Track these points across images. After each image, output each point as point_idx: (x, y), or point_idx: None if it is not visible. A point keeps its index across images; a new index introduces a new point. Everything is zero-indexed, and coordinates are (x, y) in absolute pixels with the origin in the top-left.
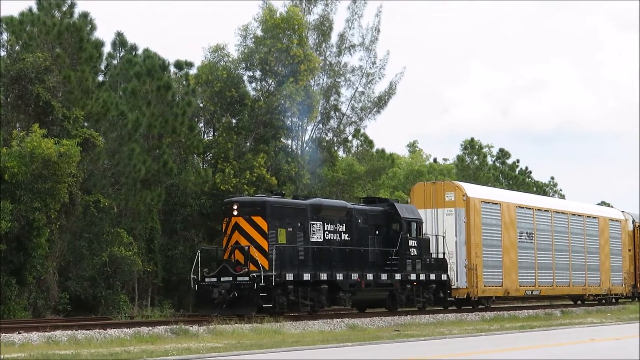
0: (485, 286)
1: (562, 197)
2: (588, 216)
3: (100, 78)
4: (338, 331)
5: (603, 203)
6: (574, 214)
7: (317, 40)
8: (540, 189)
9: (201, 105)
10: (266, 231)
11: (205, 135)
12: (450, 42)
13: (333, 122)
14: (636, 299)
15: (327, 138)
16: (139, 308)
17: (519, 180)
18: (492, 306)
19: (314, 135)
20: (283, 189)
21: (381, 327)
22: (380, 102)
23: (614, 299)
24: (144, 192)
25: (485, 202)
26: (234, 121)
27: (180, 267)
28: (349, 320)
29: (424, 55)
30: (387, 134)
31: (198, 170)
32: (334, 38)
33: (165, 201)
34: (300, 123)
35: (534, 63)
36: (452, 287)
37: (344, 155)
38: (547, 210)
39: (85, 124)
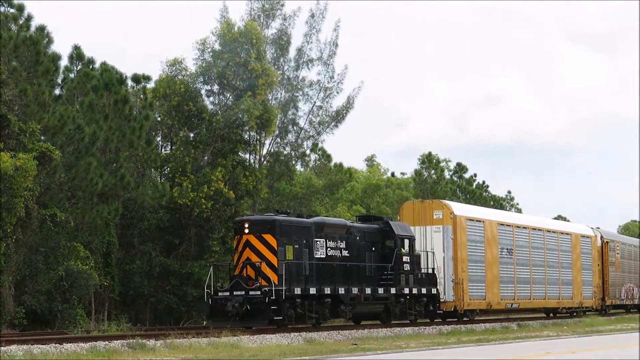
0: (470, 299)
1: (519, 211)
2: (562, 233)
3: (57, 91)
4: (296, 345)
5: (559, 217)
6: (549, 231)
7: (275, 55)
8: (498, 203)
9: (159, 119)
10: (276, 248)
11: (162, 149)
12: (407, 57)
13: (291, 136)
14: (604, 311)
15: (285, 152)
16: (96, 322)
17: (476, 194)
18: (476, 318)
19: (272, 149)
20: (241, 203)
21: (339, 341)
22: (338, 117)
23: (583, 312)
24: (101, 206)
25: (470, 219)
26: (191, 135)
27: (138, 281)
28: (307, 334)
29: (381, 70)
30: (345, 148)
31: (155, 184)
32: (292, 52)
33: (122, 215)
34: (258, 137)
35: (490, 77)
36: (441, 300)
37: (302, 170)
38: (525, 227)
39: (42, 137)
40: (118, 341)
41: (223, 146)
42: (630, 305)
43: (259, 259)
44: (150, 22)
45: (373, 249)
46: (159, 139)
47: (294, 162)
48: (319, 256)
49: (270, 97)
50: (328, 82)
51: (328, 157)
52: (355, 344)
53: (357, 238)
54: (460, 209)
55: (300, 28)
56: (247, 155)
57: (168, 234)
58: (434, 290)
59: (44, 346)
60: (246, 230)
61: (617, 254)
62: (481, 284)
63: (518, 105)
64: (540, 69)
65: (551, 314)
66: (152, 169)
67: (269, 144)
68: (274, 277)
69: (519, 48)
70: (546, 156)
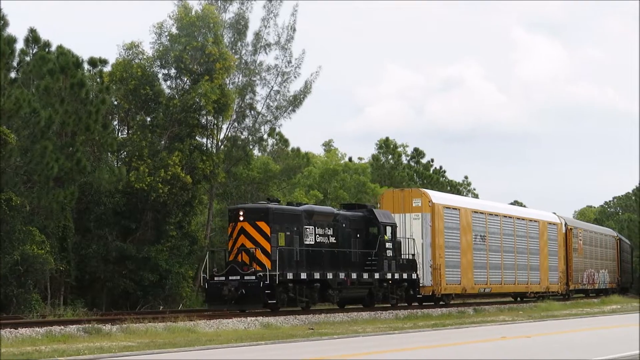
0: (447, 284)
1: (476, 196)
2: (530, 220)
3: (13, 75)
4: (252, 330)
5: (515, 202)
6: (519, 218)
7: (232, 39)
8: (454, 188)
9: (115, 103)
10: (269, 235)
11: (119, 133)
12: (365, 42)
13: (248, 121)
14: (567, 296)
15: (243, 137)
16: (52, 307)
17: (433, 179)
18: (450, 302)
19: (229, 134)
20: (198, 188)
21: (295, 326)
22: (296, 101)
23: (550, 296)
24: (57, 190)
25: (447, 207)
26: (148, 119)
27: (94, 265)
28: (264, 318)
29: (339, 55)
30: (303, 133)
31: (112, 168)
32: (249, 37)
33: (78, 199)
34: (215, 121)
35: (447, 63)
36: (420, 285)
37: (260, 154)
38: (497, 215)
39: None
40: (74, 326)
41: (180, 130)
42: (590, 289)
43: (253, 245)
44: (107, 5)
45: (358, 235)
46: (115, 123)
47: (251, 147)
48: (308, 242)
49: (227, 82)
50: (286, 66)
51: (285, 142)
52: (312, 329)
53: (343, 225)
54: (438, 197)
55: (258, 12)
56: (205, 140)
57: (124, 219)
58: (414, 276)
59: None
60: (241, 218)
61: (580, 240)
62: (457, 270)
63: (475, 92)
64: (498, 55)
65: (519, 298)
66: (109, 153)
67: (227, 129)
68: (267, 263)
69: (477, 34)
70: (502, 142)
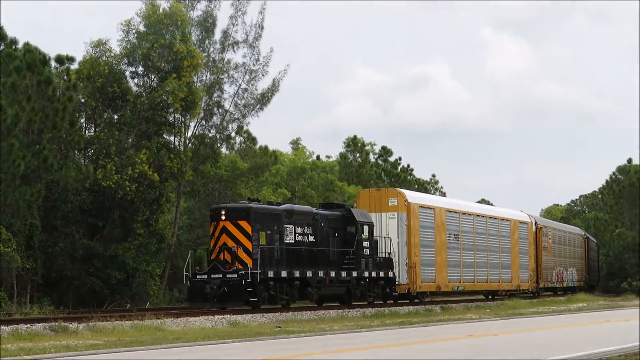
0: (422, 282)
1: (444, 194)
2: (502, 219)
3: None
4: (220, 328)
5: (483, 201)
6: (491, 217)
7: (200, 37)
8: (422, 187)
9: (82, 100)
10: (250, 234)
11: (86, 131)
12: (333, 41)
13: (216, 119)
14: (537, 293)
15: (210, 135)
16: (18, 305)
17: (400, 177)
18: (426, 300)
19: (197, 132)
20: (165, 186)
21: (263, 324)
22: (264, 99)
23: (520, 294)
24: (24, 188)
25: (422, 206)
26: (115, 117)
27: (61, 263)
28: (231, 316)
29: (307, 53)
30: (271, 131)
31: (79, 166)
32: (217, 34)
33: (45, 197)
34: (183, 119)
35: (415, 62)
36: (396, 283)
37: (227, 152)
38: (470, 214)
39: None
40: (40, 324)
41: (147, 128)
42: (559, 287)
43: (235, 244)
44: (74, 2)
45: (336, 234)
46: (82, 120)
47: (219, 145)
48: (288, 241)
49: (195, 79)
50: (253, 64)
51: (253, 140)
52: (280, 327)
53: (322, 224)
54: (414, 196)
55: (226, 10)
56: (172, 138)
57: (91, 217)
58: (390, 274)
59: None
60: (223, 217)
61: (550, 239)
62: (431, 268)
63: (442, 90)
64: (465, 54)
65: (490, 296)
66: (76, 151)
67: (194, 127)
68: (249, 261)
69: (444, 33)
70: (469, 140)
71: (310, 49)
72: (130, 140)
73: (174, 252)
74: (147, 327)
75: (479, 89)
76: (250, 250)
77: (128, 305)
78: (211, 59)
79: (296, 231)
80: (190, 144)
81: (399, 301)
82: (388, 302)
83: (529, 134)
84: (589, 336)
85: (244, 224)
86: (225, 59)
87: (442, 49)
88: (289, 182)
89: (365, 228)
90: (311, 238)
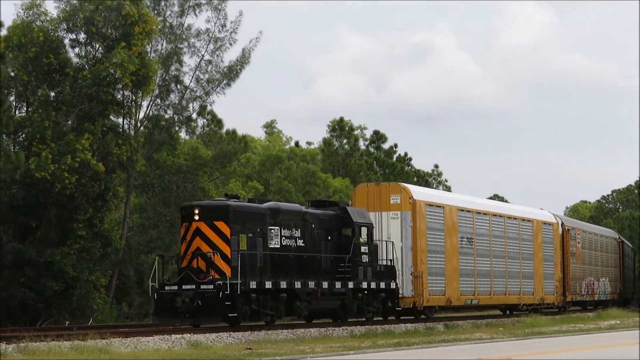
0: (429, 295)
1: (448, 189)
2: (523, 219)
3: None
4: (177, 349)
5: (496, 197)
6: (509, 217)
7: None
8: (422, 180)
9: (12, 74)
10: (229, 237)
11: (16, 112)
12: (315, 3)
13: (174, 97)
14: (564, 309)
15: (167, 116)
16: None
17: (396, 168)
18: (434, 316)
19: (151, 113)
20: (113, 178)
21: (230, 345)
22: (231, 73)
23: (544, 310)
24: None
25: (430, 204)
26: (52, 94)
27: None
28: (191, 336)
29: (284, 18)
30: (240, 112)
31: (8, 154)
32: None
33: None
34: (134, 97)
35: (414, 29)
36: (399, 296)
37: (187, 137)
38: (486, 214)
39: None
40: None
41: (91, 108)
42: (589, 301)
43: (210, 249)
44: None
45: (329, 237)
46: (12, 98)
47: (177, 129)
48: (273, 246)
49: (148, 49)
50: (219, 31)
51: (219, 123)
52: (250, 349)
53: (313, 226)
54: (420, 192)
55: None
56: (121, 120)
57: (23, 215)
58: (392, 285)
59: None
60: (196, 217)
61: (578, 243)
62: (441, 278)
63: (447, 63)
64: (475, 19)
65: (508, 311)
66: (4, 135)
67: (147, 106)
68: (227, 270)
69: None
70: (479, 124)
71: (286, 13)
72: (69, 122)
73: (123, 258)
74: (90, 348)
75: (492, 62)
76: (229, 256)
77: (67, 322)
78: (168, 24)
79: (282, 234)
80: (142, 128)
81: (402, 317)
82: (389, 318)
83: (550, 116)
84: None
85: (221, 225)
86: (185, 25)
87: (448, 14)
88: (261, 173)
89: (364, 230)
90: (300, 242)
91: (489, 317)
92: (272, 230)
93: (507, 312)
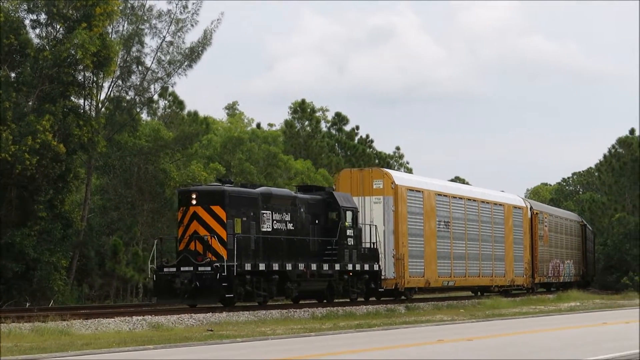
0: (410, 277)
1: (409, 171)
2: (495, 203)
3: None
4: (139, 331)
5: (457, 179)
6: (483, 202)
7: None
8: (384, 161)
9: None
10: (225, 221)
11: None
12: None
13: (135, 78)
14: (532, 290)
15: (128, 97)
16: None
17: (358, 150)
18: (413, 297)
19: (112, 94)
20: (74, 159)
21: (191, 327)
22: (193, 55)
23: (513, 291)
24: None
25: (410, 189)
26: (12, 75)
27: None
28: (152, 317)
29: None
30: (201, 94)
31: None
32: None
33: None
34: (95, 78)
35: (376, 10)
36: (382, 277)
37: (149, 119)
38: (461, 198)
39: None
40: None
41: (52, 89)
42: (555, 283)
43: (207, 232)
44: None
45: (317, 221)
46: None
47: (138, 110)
48: (265, 229)
49: (109, 30)
50: (181, 12)
51: (180, 104)
52: (211, 330)
53: (302, 210)
54: (401, 178)
55: None
56: (82, 101)
57: None
58: (376, 267)
59: None
60: (193, 202)
61: (546, 226)
62: (420, 260)
63: (409, 45)
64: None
65: (479, 292)
66: None
67: (109, 87)
68: (223, 252)
69: None
70: (441, 106)
71: None
72: (30, 103)
73: (84, 240)
74: (50, 330)
75: (454, 44)
76: (225, 239)
77: (28, 304)
78: (129, 5)
79: (274, 218)
80: (103, 109)
81: (383, 298)
82: (371, 299)
83: (511, 100)
84: (582, 341)
85: (217, 209)
86: (147, 6)
87: None
88: (223, 155)
89: (349, 214)
90: (290, 226)
91: (449, 299)
92: (265, 214)
93: (479, 293)
